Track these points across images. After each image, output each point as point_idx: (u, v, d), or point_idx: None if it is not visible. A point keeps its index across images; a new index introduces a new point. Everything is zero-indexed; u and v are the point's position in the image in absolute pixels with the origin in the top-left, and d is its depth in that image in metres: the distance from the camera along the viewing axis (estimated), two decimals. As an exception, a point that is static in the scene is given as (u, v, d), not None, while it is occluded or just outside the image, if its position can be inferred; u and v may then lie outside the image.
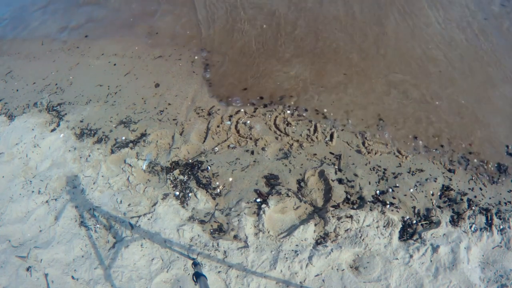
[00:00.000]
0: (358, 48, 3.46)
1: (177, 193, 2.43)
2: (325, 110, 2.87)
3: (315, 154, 2.60)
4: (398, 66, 3.26)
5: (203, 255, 2.08)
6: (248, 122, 2.85)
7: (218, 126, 2.85)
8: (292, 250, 2.06)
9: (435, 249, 2.03)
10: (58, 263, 2.17)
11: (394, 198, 2.30)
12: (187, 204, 2.37)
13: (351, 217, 2.17)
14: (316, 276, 1.99)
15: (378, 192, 2.34)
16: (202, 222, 2.27)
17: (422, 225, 2.19)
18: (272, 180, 2.44)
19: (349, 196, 2.32)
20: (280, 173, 2.48)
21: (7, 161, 2.85)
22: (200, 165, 2.59)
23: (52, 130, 3.06)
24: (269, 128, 2.80)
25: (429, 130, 2.73)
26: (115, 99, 3.29)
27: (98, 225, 2.33)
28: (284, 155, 2.60)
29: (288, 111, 2.91)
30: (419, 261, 2.01)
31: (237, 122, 2.87)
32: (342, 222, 2.15)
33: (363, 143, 2.65)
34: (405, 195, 2.32)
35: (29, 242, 2.30)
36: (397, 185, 2.37)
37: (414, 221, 2.20)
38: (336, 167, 2.49)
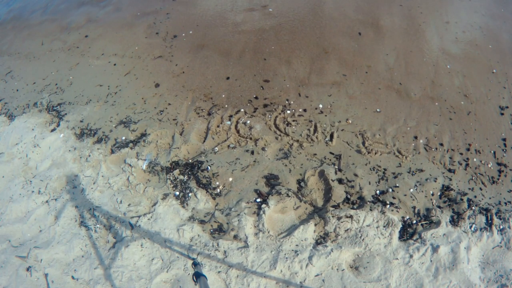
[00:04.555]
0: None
1: (177, 193, 2.43)
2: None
3: (315, 154, 2.60)
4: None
5: (203, 255, 2.08)
6: (248, 122, 2.85)
7: (218, 126, 2.85)
8: (292, 250, 2.06)
9: (435, 249, 2.03)
10: (58, 263, 2.17)
11: (394, 198, 2.30)
12: (187, 204, 2.37)
13: (351, 217, 2.17)
14: (316, 276, 1.99)
15: (378, 192, 2.34)
16: (202, 222, 2.27)
17: (422, 225, 2.19)
18: (272, 180, 2.44)
19: (349, 196, 2.32)
20: (280, 173, 2.48)
21: (7, 161, 2.85)
22: (200, 165, 2.59)
23: (52, 130, 3.06)
24: (269, 128, 2.80)
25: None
26: (115, 99, 3.29)
27: (98, 225, 2.33)
28: (284, 155, 2.60)
29: (288, 111, 2.91)
30: (419, 261, 2.01)
31: (237, 122, 2.86)
32: (342, 222, 2.15)
33: (363, 143, 2.65)
34: (405, 195, 2.32)
35: (29, 242, 2.30)
36: (397, 185, 2.37)
37: (414, 221, 2.20)
38: (336, 167, 2.49)
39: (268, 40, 3.62)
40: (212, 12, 4.15)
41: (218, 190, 2.43)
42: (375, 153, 2.57)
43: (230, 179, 2.49)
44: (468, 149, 2.61)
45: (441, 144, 2.64)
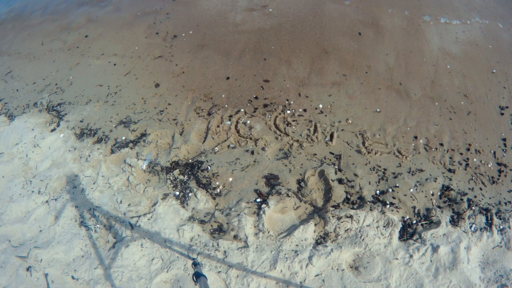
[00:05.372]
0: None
1: (177, 193, 2.43)
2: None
3: (315, 154, 2.60)
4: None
5: (203, 255, 2.08)
6: (248, 122, 2.85)
7: (218, 126, 2.85)
8: (292, 250, 2.06)
9: (435, 249, 2.03)
10: (58, 263, 2.17)
11: (394, 198, 2.30)
12: (187, 204, 2.37)
13: (351, 217, 2.17)
14: (316, 276, 1.99)
15: (378, 192, 2.34)
16: (202, 222, 2.27)
17: (422, 225, 2.19)
18: (272, 180, 2.44)
19: (349, 196, 2.32)
20: (280, 173, 2.48)
21: (7, 161, 2.85)
22: (200, 165, 2.58)
23: (52, 130, 3.06)
24: (269, 128, 2.80)
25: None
26: (115, 99, 3.28)
27: (98, 225, 2.33)
28: (284, 155, 2.60)
29: (288, 111, 2.91)
30: (419, 261, 2.01)
31: (237, 122, 2.86)
32: (342, 222, 2.15)
33: (363, 143, 2.65)
34: (405, 195, 2.32)
35: (29, 242, 2.30)
36: (397, 185, 2.37)
37: (414, 221, 2.20)
38: (336, 167, 2.49)
39: (268, 40, 3.62)
40: (212, 12, 4.15)
41: (218, 190, 2.43)
42: (375, 153, 2.57)
43: (230, 179, 2.49)
44: (468, 149, 2.61)
45: (441, 144, 2.64)
